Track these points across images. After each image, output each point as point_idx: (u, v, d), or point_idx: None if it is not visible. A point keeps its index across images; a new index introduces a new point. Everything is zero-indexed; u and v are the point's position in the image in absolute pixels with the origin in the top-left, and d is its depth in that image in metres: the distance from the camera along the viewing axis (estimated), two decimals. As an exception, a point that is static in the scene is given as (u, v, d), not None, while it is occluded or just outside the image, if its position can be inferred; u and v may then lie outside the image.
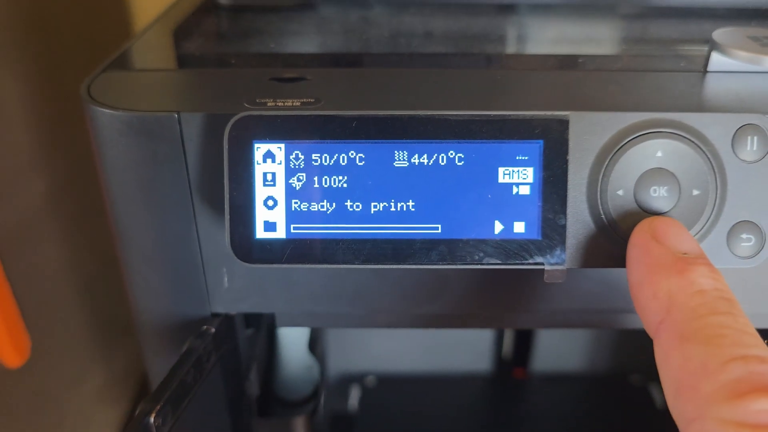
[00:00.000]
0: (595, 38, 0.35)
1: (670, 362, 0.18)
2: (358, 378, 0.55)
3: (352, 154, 0.23)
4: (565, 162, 0.23)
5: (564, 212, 0.23)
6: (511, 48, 0.34)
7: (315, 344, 0.39)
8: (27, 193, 0.46)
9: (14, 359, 0.43)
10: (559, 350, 0.56)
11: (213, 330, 0.27)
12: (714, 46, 0.26)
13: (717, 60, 0.26)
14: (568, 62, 0.29)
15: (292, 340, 0.38)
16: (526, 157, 0.23)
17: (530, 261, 0.23)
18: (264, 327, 0.33)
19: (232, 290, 0.27)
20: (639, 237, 0.22)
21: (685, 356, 0.18)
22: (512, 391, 0.56)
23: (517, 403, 0.56)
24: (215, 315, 0.28)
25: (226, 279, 0.27)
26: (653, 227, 0.22)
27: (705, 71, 0.26)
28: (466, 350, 0.56)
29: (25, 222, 0.45)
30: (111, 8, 0.62)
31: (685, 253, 0.20)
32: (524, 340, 0.55)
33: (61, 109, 0.49)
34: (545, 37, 0.35)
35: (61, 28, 0.51)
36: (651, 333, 0.20)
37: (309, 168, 0.23)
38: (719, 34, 0.27)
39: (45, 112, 0.47)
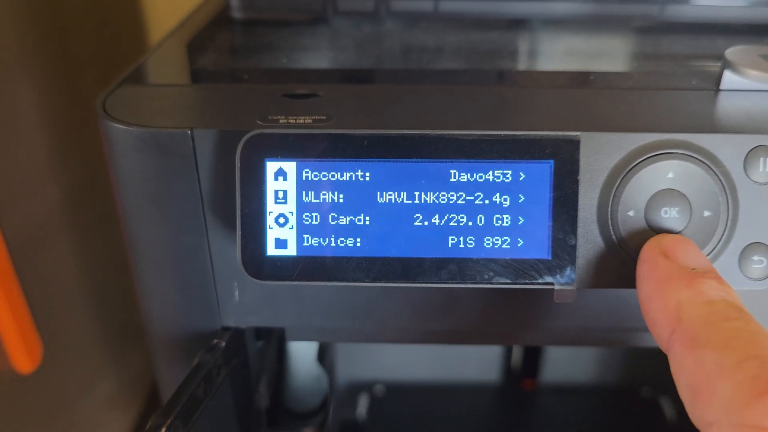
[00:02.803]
0: (605, 54, 0.35)
1: (685, 370, 0.18)
2: (366, 386, 0.55)
3: (362, 172, 0.23)
4: (576, 182, 0.23)
5: (574, 232, 0.23)
6: (521, 64, 0.34)
7: (324, 354, 0.39)
8: (41, 199, 0.46)
9: (26, 364, 0.44)
10: (568, 362, 0.56)
11: (223, 344, 0.27)
12: (726, 64, 0.26)
13: (729, 79, 0.26)
14: (578, 79, 0.29)
15: (301, 352, 0.38)
16: (537, 177, 0.23)
17: (540, 281, 0.23)
18: (274, 339, 0.34)
19: (243, 304, 0.27)
20: (648, 253, 0.22)
21: (700, 361, 0.18)
22: (521, 402, 0.56)
23: (525, 415, 0.55)
24: (226, 329, 0.28)
25: (236, 293, 0.27)
26: (662, 244, 0.22)
27: (717, 90, 0.26)
28: (475, 360, 0.56)
29: (39, 228, 0.46)
30: (126, 17, 0.63)
31: (693, 268, 0.21)
32: (533, 352, 0.55)
33: (76, 117, 0.50)
34: (556, 52, 0.35)
35: (77, 37, 0.51)
36: (663, 346, 0.20)
37: (320, 186, 0.23)
38: (732, 52, 0.27)
39: (60, 120, 0.48)
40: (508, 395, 0.56)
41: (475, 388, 0.56)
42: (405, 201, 0.23)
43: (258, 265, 0.23)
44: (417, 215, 0.23)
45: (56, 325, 0.48)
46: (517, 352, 0.55)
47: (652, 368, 0.54)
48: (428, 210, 0.23)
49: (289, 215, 0.23)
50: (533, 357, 0.55)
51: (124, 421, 0.60)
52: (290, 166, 0.23)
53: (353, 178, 0.23)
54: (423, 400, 0.55)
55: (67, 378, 0.50)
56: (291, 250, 0.23)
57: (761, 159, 0.23)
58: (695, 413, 0.18)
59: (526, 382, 0.56)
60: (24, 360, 0.43)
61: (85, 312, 0.53)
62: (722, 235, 0.23)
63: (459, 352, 0.55)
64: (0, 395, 0.42)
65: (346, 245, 0.23)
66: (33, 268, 0.44)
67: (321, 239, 0.23)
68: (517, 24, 0.38)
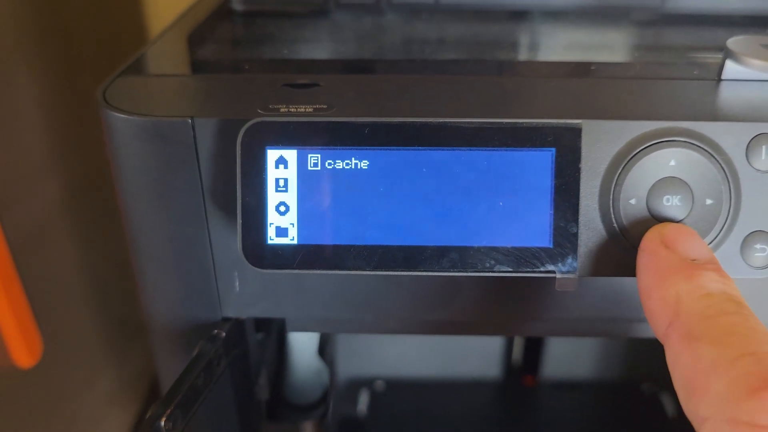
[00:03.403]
0: (607, 45, 0.35)
1: (681, 363, 0.18)
2: (367, 382, 0.55)
3: (363, 160, 0.23)
4: (578, 170, 0.23)
5: (576, 220, 0.23)
6: (523, 55, 0.34)
7: (324, 348, 0.39)
8: (41, 195, 0.46)
9: (26, 360, 0.44)
10: (569, 357, 0.56)
11: (224, 334, 0.27)
12: (728, 54, 0.26)
13: (731, 68, 0.26)
14: (580, 69, 0.29)
15: (302, 345, 0.38)
16: (539, 165, 0.23)
17: (541, 269, 0.23)
18: (274, 331, 0.33)
19: (243, 295, 0.27)
20: (649, 243, 0.22)
21: (695, 356, 0.18)
22: (521, 398, 0.56)
23: (526, 411, 0.55)
24: (226, 319, 0.28)
25: (237, 283, 0.27)
26: (663, 233, 0.22)
27: (719, 79, 0.26)
28: (476, 356, 0.56)
29: (39, 224, 0.46)
30: (126, 12, 0.63)
31: (694, 259, 0.20)
32: (534, 347, 0.55)
33: (76, 112, 0.50)
34: (558, 43, 0.35)
35: (77, 32, 0.51)
36: (660, 337, 0.20)
37: (321, 174, 0.23)
38: (733, 42, 0.27)
39: (60, 117, 0.48)
40: (508, 391, 0.56)
41: (476, 384, 0.56)
42: (406, 189, 0.23)
43: (259, 253, 0.23)
44: (418, 203, 0.23)
45: (56, 321, 0.48)
46: (517, 348, 0.55)
47: (653, 364, 0.54)
48: (429, 198, 0.23)
49: (290, 203, 0.23)
50: (534, 353, 0.55)
51: (124, 417, 0.60)
52: (291, 155, 0.23)
53: (354, 166, 0.23)
54: (423, 397, 0.55)
55: (67, 374, 0.50)
56: (292, 239, 0.23)
57: (763, 147, 0.23)
58: (689, 407, 0.18)
59: (527, 378, 0.56)
60: (24, 355, 0.43)
61: (85, 308, 0.53)
62: (724, 223, 0.23)
63: (459, 347, 0.55)
64: (0, 391, 0.42)
65: (347, 233, 0.23)
66: (33, 265, 0.44)
67: (322, 227, 0.23)
68: (519, 15, 0.38)
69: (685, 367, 0.18)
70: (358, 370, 0.55)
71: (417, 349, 0.55)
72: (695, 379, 0.18)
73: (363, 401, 0.54)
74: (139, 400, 0.62)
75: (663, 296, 0.20)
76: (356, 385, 0.55)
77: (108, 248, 0.56)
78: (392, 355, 0.55)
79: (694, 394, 0.18)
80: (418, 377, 0.56)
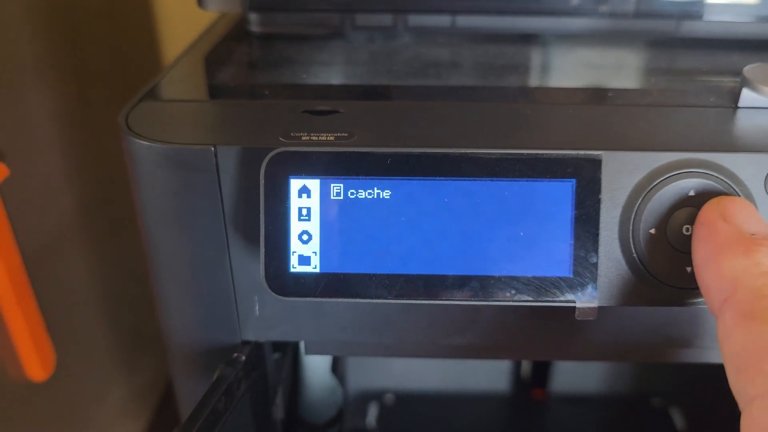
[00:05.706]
0: (624, 70, 0.35)
1: (733, 340, 0.18)
2: (376, 395, 0.55)
3: (386, 190, 0.23)
4: (598, 201, 0.23)
5: (596, 250, 0.23)
6: (541, 80, 0.34)
7: (337, 364, 0.40)
8: (56, 209, 0.47)
9: (40, 373, 0.44)
10: (578, 371, 0.56)
11: (243, 357, 0.28)
12: (745, 82, 0.26)
13: (748, 96, 0.26)
14: (597, 96, 0.29)
15: (316, 363, 0.38)
16: (559, 196, 0.23)
17: (562, 298, 0.23)
18: (290, 351, 0.34)
19: (263, 319, 0.27)
20: (707, 215, 0.21)
21: (750, 335, 0.18)
22: (531, 411, 0.56)
23: (535, 424, 0.55)
24: (245, 342, 0.28)
25: (257, 308, 0.27)
26: (722, 206, 0.21)
27: (736, 107, 0.26)
28: (485, 369, 0.56)
29: (53, 238, 0.46)
30: (140, 30, 0.63)
31: (753, 234, 0.20)
32: (544, 361, 0.55)
33: (90, 127, 0.50)
34: (574, 68, 0.35)
35: (92, 50, 0.52)
36: (714, 311, 0.20)
37: (343, 203, 0.23)
38: (750, 69, 0.27)
39: (74, 129, 0.48)
40: (517, 405, 0.56)
41: (485, 397, 0.56)
42: (427, 219, 0.23)
43: (281, 281, 0.23)
44: (439, 233, 0.23)
45: (69, 334, 0.48)
46: (526, 362, 0.55)
47: (662, 378, 0.54)
48: (450, 227, 0.23)
49: (312, 232, 0.23)
50: (543, 367, 0.55)
51: (135, 429, 0.60)
52: (314, 184, 0.23)
53: (376, 196, 0.23)
54: (433, 410, 0.55)
55: (79, 386, 0.50)
56: (314, 267, 0.23)
57: (781, 178, 0.23)
58: (738, 385, 0.18)
59: (536, 392, 0.56)
60: (37, 368, 0.44)
61: (97, 320, 0.53)
62: (743, 253, 0.23)
63: (469, 361, 0.55)
64: (14, 403, 0.42)
65: (369, 262, 0.23)
66: (47, 278, 0.45)
67: (344, 256, 0.23)
68: (535, 40, 0.38)
69: (737, 345, 0.18)
70: (367, 383, 0.55)
71: (426, 362, 0.55)
72: (748, 358, 0.17)
73: (372, 414, 0.54)
74: (150, 410, 0.63)
75: (720, 270, 0.19)
76: (366, 398, 0.55)
77: (120, 261, 0.56)
78: (402, 368, 0.56)
79: (745, 372, 0.17)
80: (427, 390, 0.56)
